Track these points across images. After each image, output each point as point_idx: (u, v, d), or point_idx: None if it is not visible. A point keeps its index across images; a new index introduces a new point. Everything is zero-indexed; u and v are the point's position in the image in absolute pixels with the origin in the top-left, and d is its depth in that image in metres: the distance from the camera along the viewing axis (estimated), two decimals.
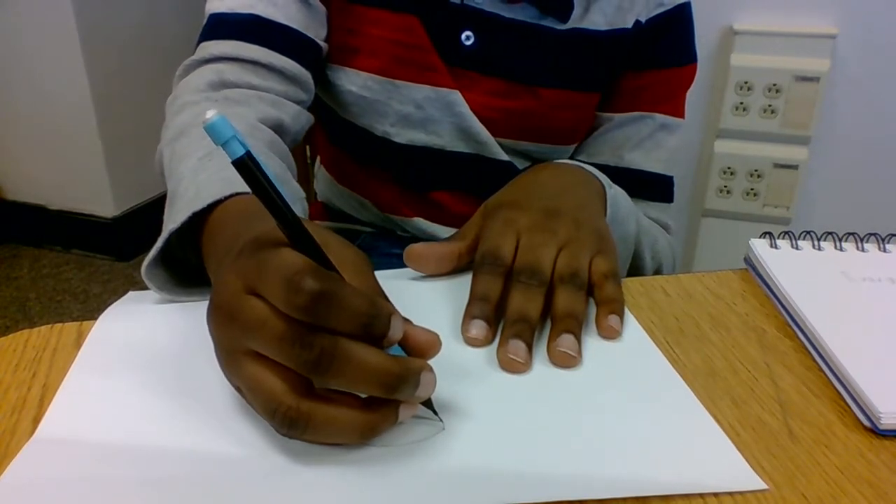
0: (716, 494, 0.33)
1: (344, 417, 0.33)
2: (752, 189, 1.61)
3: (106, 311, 0.47)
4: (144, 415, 0.38)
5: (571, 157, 0.78)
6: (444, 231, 0.78)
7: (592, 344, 0.45)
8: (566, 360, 0.42)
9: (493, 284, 0.46)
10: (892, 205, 1.62)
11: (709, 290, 0.53)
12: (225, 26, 0.65)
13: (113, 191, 2.12)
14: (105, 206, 2.13)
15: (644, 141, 0.74)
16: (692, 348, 0.45)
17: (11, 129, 2.13)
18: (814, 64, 1.49)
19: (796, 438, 0.38)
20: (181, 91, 0.63)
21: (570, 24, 0.70)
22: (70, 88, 1.98)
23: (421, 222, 0.78)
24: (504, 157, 0.74)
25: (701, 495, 0.33)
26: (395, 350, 0.35)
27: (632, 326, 0.47)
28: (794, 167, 1.57)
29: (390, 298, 0.37)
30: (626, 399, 0.40)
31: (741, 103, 1.54)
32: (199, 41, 0.66)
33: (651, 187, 0.76)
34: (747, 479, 0.34)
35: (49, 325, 0.47)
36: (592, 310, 0.47)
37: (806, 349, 0.45)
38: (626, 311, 0.48)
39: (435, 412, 0.37)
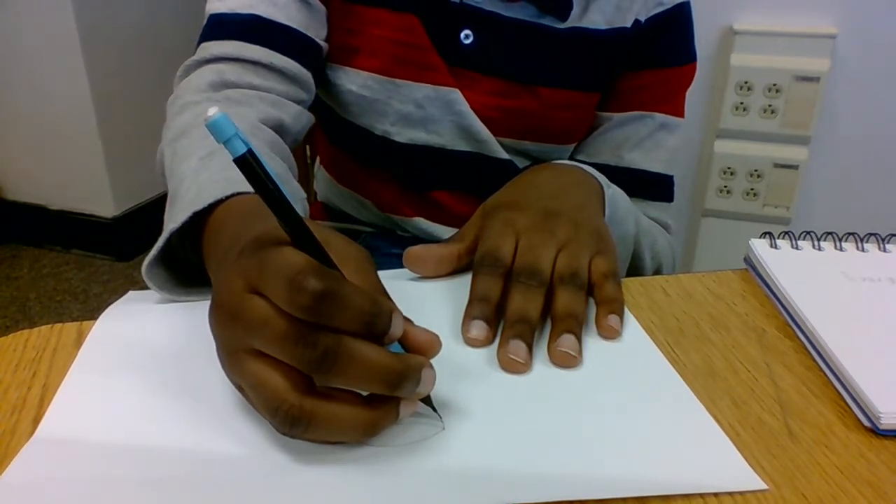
0: (716, 494, 0.33)
1: (346, 415, 0.33)
2: (752, 189, 1.61)
3: (106, 311, 0.47)
4: (144, 415, 0.38)
5: (571, 157, 0.78)
6: (445, 231, 0.79)
7: (592, 344, 0.45)
8: (567, 360, 0.42)
9: (493, 285, 0.46)
10: (892, 205, 1.62)
11: (709, 290, 0.53)
12: (225, 26, 0.65)
13: (113, 191, 2.12)
14: (105, 206, 2.13)
15: (644, 140, 0.74)
16: (692, 348, 0.45)
17: (11, 129, 2.13)
18: (814, 64, 1.49)
19: (796, 438, 0.38)
20: (182, 91, 0.63)
21: (570, 23, 0.70)
22: (70, 88, 1.98)
23: (421, 222, 0.78)
24: (504, 155, 0.74)
25: (701, 495, 0.33)
26: (395, 347, 0.35)
27: (632, 326, 0.47)
28: (794, 167, 1.57)
29: (391, 298, 0.37)
30: (626, 399, 0.40)
31: (741, 103, 1.54)
32: (200, 42, 0.66)
33: (651, 187, 0.75)
34: (747, 479, 0.34)
35: (49, 325, 0.47)
36: (592, 310, 0.47)
37: (806, 349, 0.45)
38: (626, 311, 0.48)
39: (434, 409, 0.37)
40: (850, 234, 0.56)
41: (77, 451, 0.35)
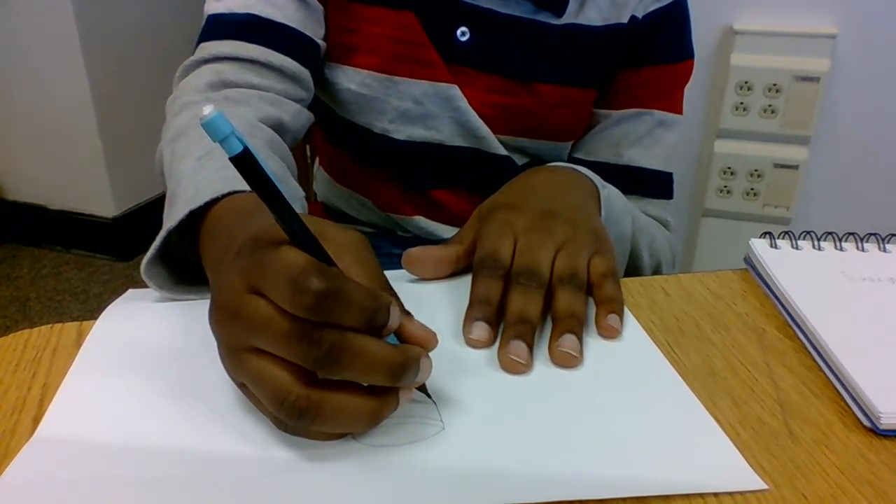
0: (716, 494, 0.33)
1: (353, 404, 0.33)
2: (752, 189, 1.61)
3: (106, 310, 0.47)
4: (144, 414, 0.38)
5: (570, 155, 0.78)
6: (445, 229, 0.79)
7: (592, 344, 0.45)
8: (568, 360, 0.42)
9: (494, 287, 0.46)
10: (892, 205, 1.62)
11: (709, 290, 0.53)
12: (224, 26, 0.65)
13: (113, 191, 2.11)
14: (105, 206, 2.13)
15: (642, 138, 0.74)
16: (692, 348, 0.45)
17: (11, 129, 2.12)
18: (814, 64, 1.49)
19: (796, 438, 0.38)
20: (181, 91, 0.63)
21: (565, 20, 0.70)
22: (70, 88, 1.98)
23: (421, 221, 0.79)
24: (503, 152, 0.74)
25: (701, 495, 0.33)
26: (391, 338, 0.35)
27: (632, 326, 0.47)
28: (794, 167, 1.57)
29: (390, 283, 0.37)
30: (626, 399, 0.40)
31: (741, 103, 1.54)
32: (198, 42, 0.66)
33: (650, 184, 0.76)
34: (747, 479, 0.34)
35: (49, 325, 0.47)
36: (592, 310, 0.47)
37: (806, 349, 0.45)
38: (626, 311, 0.48)
39: (429, 395, 0.38)
40: (850, 234, 0.56)
41: (77, 451, 0.35)
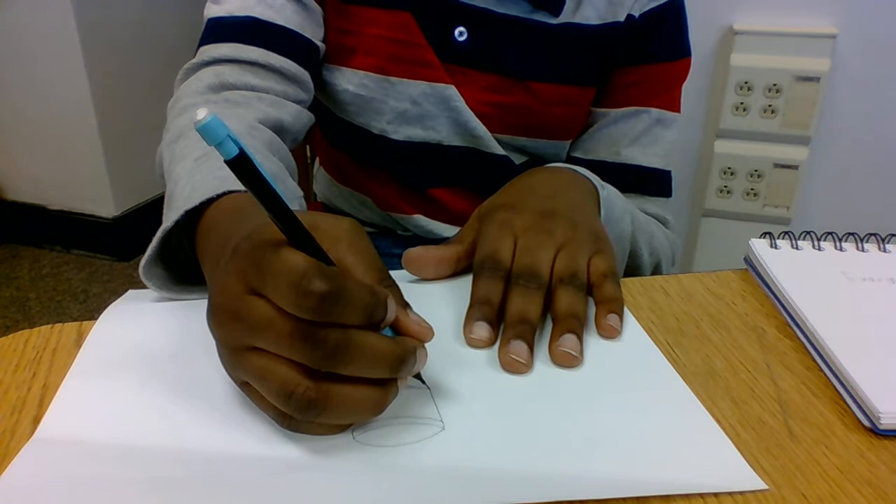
0: (716, 494, 0.33)
1: (359, 395, 0.34)
2: (752, 189, 1.61)
3: (106, 311, 0.47)
4: (144, 414, 0.38)
5: (569, 154, 0.78)
6: (445, 228, 0.79)
7: (592, 344, 0.45)
8: (568, 360, 0.42)
9: (494, 288, 0.46)
10: (892, 205, 1.62)
11: (709, 290, 0.53)
12: (223, 29, 0.65)
13: (113, 191, 2.11)
14: (105, 206, 2.13)
15: (640, 136, 0.74)
16: (692, 348, 0.45)
17: (11, 129, 2.12)
18: (814, 64, 1.49)
19: (796, 438, 0.38)
20: (182, 94, 0.64)
21: (562, 19, 0.70)
22: (70, 88, 1.98)
23: (421, 219, 0.79)
24: (501, 151, 0.75)
25: (701, 495, 0.33)
26: (386, 330, 0.36)
27: (632, 326, 0.47)
28: (794, 167, 1.57)
29: (387, 269, 0.38)
30: (627, 399, 0.40)
31: (741, 103, 1.54)
32: (199, 46, 0.67)
33: (649, 182, 0.76)
34: (747, 479, 0.34)
35: (49, 325, 0.47)
36: (591, 310, 0.47)
37: (806, 349, 0.45)
38: (626, 311, 0.48)
39: (423, 381, 0.39)
40: (850, 234, 0.56)
41: (77, 451, 0.35)
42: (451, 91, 0.71)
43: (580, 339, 0.43)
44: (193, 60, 0.66)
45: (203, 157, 0.52)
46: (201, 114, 0.30)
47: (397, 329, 0.37)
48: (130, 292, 0.50)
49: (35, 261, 2.17)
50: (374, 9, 0.69)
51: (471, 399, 0.39)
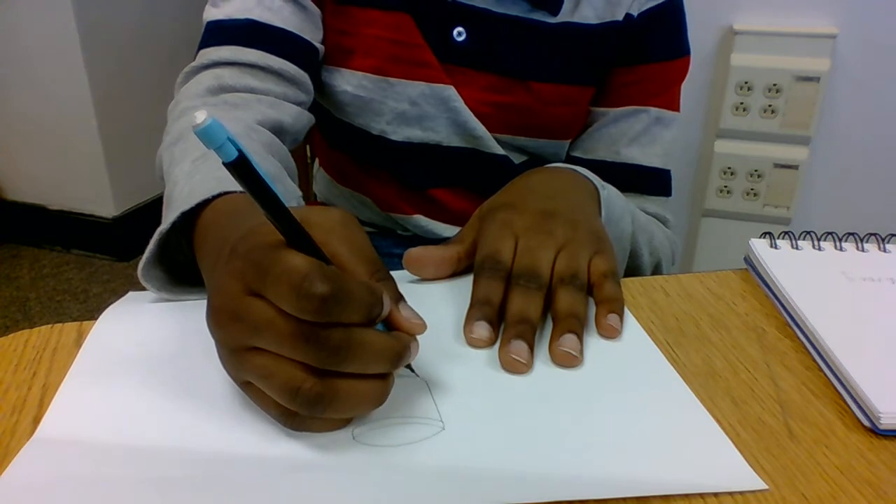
0: (716, 494, 0.33)
1: (363, 388, 0.34)
2: (752, 189, 1.61)
3: (106, 312, 0.47)
4: (144, 415, 0.38)
5: (568, 154, 0.78)
6: (445, 228, 0.79)
7: (593, 344, 0.45)
8: (569, 360, 0.42)
9: (495, 288, 0.46)
10: (892, 205, 1.62)
11: (709, 290, 0.53)
12: (223, 32, 0.66)
13: (113, 191, 2.11)
14: (105, 206, 2.13)
15: (640, 135, 0.74)
16: (692, 348, 0.45)
17: (11, 129, 2.12)
18: (814, 64, 1.49)
19: (796, 438, 0.38)
20: (182, 97, 0.64)
21: (561, 18, 0.70)
22: (70, 88, 1.98)
23: (421, 219, 0.79)
24: (500, 151, 0.75)
25: (701, 495, 0.33)
26: (379, 325, 0.36)
27: (632, 326, 0.47)
28: (794, 167, 1.57)
29: (380, 258, 0.39)
30: (627, 399, 0.40)
31: (741, 103, 1.54)
32: (199, 49, 0.67)
33: (649, 181, 0.76)
34: (747, 479, 0.34)
35: (49, 325, 0.47)
36: (592, 309, 0.47)
37: (806, 349, 0.45)
38: (627, 311, 0.48)
39: (413, 370, 0.40)
40: (850, 234, 0.56)
41: (77, 451, 0.35)
42: (451, 91, 0.71)
43: (580, 339, 0.43)
44: (193, 63, 0.66)
45: (201, 158, 0.52)
46: (200, 117, 0.30)
47: (391, 325, 0.37)
48: (130, 294, 0.50)
49: (35, 261, 2.17)
50: (373, 10, 0.69)
51: (471, 399, 0.39)
